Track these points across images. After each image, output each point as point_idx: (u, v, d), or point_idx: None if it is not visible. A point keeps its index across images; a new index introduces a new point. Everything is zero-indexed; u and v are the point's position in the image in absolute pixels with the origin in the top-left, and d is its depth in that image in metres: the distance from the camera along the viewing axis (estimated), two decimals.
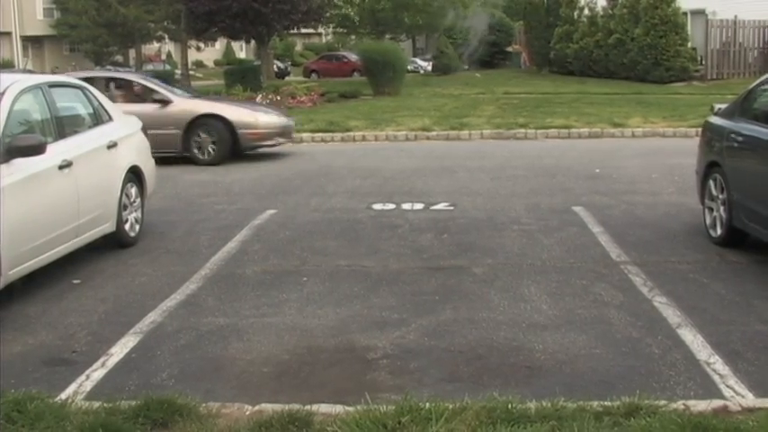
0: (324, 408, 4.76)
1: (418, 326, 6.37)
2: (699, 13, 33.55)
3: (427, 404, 4.60)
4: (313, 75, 51.98)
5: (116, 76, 18.50)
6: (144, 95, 15.95)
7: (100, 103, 9.22)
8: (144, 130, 10.15)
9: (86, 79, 16.95)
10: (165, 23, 39.06)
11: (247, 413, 4.75)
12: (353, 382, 5.39)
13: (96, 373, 5.57)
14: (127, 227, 9.02)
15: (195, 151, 15.38)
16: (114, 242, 8.84)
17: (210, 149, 15.36)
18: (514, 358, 5.73)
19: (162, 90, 15.97)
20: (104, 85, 15.95)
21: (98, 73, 21.41)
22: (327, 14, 41.10)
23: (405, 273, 7.90)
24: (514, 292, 7.19)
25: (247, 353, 5.91)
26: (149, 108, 15.04)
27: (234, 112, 15.71)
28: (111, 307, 7.02)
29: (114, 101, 14.24)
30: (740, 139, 8.36)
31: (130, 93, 16.26)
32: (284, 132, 16.31)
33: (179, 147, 15.29)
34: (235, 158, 15.70)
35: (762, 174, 7.85)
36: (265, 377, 5.52)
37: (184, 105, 15.67)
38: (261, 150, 16.29)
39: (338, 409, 4.74)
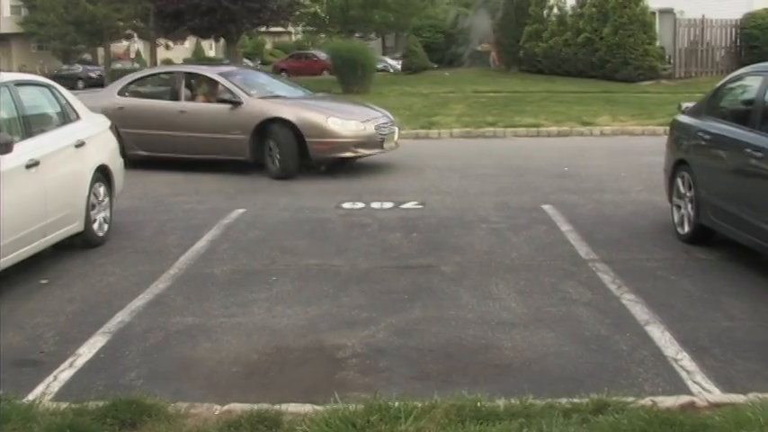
0: (293, 407, 4.75)
1: (387, 324, 6.38)
2: (667, 12, 33.75)
3: (396, 403, 4.60)
4: (282, 73, 51.67)
5: (194, 71, 15.68)
6: (217, 94, 14.25)
7: (68, 102, 9.15)
8: (113, 128, 10.08)
9: (168, 72, 16.64)
10: (134, 21, 38.82)
11: (216, 413, 4.73)
12: (323, 381, 5.38)
13: (64, 373, 5.53)
14: (95, 226, 8.96)
15: (268, 160, 13.44)
16: (82, 242, 8.77)
17: (277, 160, 13.32)
18: (483, 356, 5.75)
19: (234, 88, 13.90)
20: (184, 80, 14.68)
21: (179, 68, 18.53)
22: (297, 13, 40.99)
23: (374, 271, 7.90)
24: (483, 290, 7.21)
25: (216, 352, 5.89)
26: (218, 109, 13.89)
27: (302, 116, 13.31)
28: (79, 307, 6.97)
29: (191, 99, 14.41)
30: (707, 137, 8.42)
31: (205, 90, 14.58)
32: (368, 142, 13.49)
33: (246, 153, 13.53)
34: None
35: (728, 171, 7.92)
36: (234, 377, 5.50)
37: (254, 107, 13.58)
38: None
39: (307, 408, 4.73)
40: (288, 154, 13.16)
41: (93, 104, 13.48)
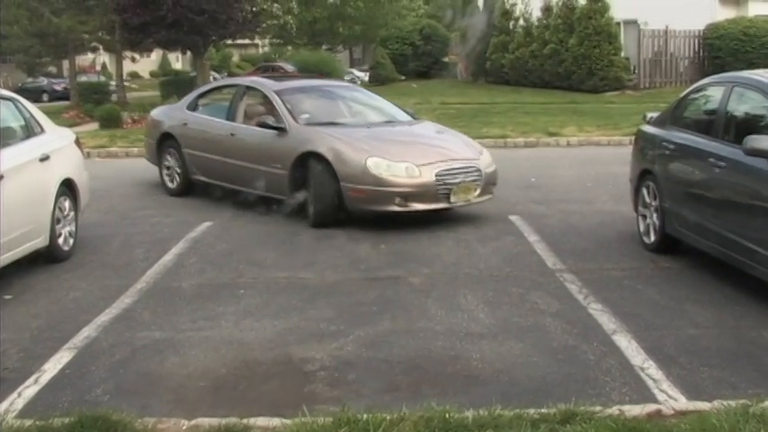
0: (261, 421, 4.73)
1: (356, 337, 6.37)
2: (631, 23, 34.05)
3: (365, 415, 4.60)
4: None
5: (254, 84, 12.67)
6: (265, 115, 11.62)
7: (32, 115, 9.08)
8: (77, 142, 10.00)
9: (231, 85, 13.58)
10: (100, 34, 38.50)
11: (184, 428, 4.70)
12: (291, 394, 5.37)
13: (29, 390, 5.47)
14: (60, 241, 8.89)
15: (308, 203, 10.56)
16: (47, 256, 8.69)
17: (311, 205, 10.46)
18: (452, 368, 5.76)
19: (281, 110, 11.19)
20: (245, 95, 12.32)
21: (242, 80, 14.43)
22: (264, 25, 40.94)
23: (342, 284, 7.89)
24: (452, 301, 7.22)
25: (184, 367, 5.86)
26: (263, 135, 11.20)
27: (339, 152, 10.26)
28: (44, 322, 6.90)
29: (249, 118, 11.88)
30: (672, 147, 8.50)
31: (260, 109, 12.05)
32: (424, 194, 10.07)
33: (286, 192, 10.84)
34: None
35: (692, 181, 7.99)
36: (202, 391, 5.47)
37: (296, 135, 10.80)
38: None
39: (275, 422, 4.72)
40: (321, 199, 10.26)
41: (167, 116, 13.38)
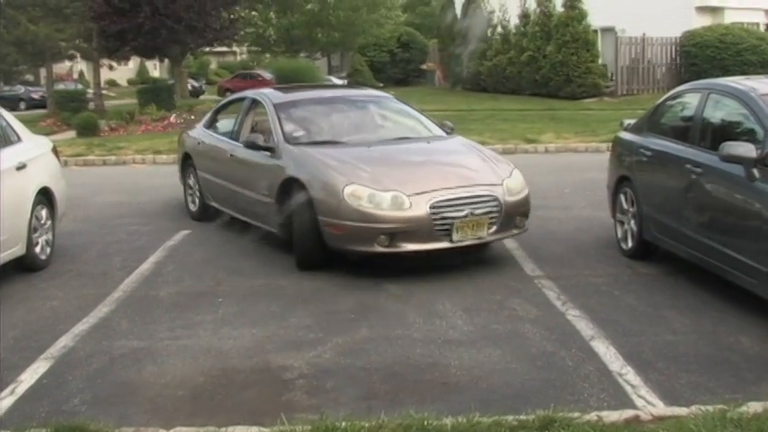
0: (239, 429, 4.73)
1: (334, 344, 6.36)
2: (609, 30, 34.23)
3: (343, 423, 4.60)
4: (227, 93, 51.43)
5: (258, 97, 10.60)
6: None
7: (8, 124, 9.04)
8: (54, 150, 9.95)
9: (241, 98, 11.29)
10: (77, 42, 38.34)
11: None
12: (270, 402, 5.35)
13: (5, 401, 5.44)
14: (37, 250, 8.84)
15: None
16: (24, 265, 8.64)
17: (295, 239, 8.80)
18: (430, 375, 5.76)
19: (275, 126, 9.60)
20: (251, 110, 10.65)
21: (252, 93, 11.18)
22: (241, 32, 40.91)
23: (320, 291, 7.88)
24: (429, 308, 7.21)
25: (162, 376, 5.83)
26: (256, 157, 9.64)
27: (319, 177, 8.57)
28: (20, 332, 6.85)
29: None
30: (648, 153, 8.54)
31: (262, 126, 10.31)
32: (417, 231, 8.13)
33: (272, 223, 9.27)
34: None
35: (669, 187, 8.03)
36: (180, 400, 5.45)
37: (283, 157, 9.13)
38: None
39: (254, 430, 4.72)
40: (301, 237, 8.58)
41: (189, 134, 12.15)
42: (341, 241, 8.35)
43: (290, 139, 9.36)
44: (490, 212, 8.38)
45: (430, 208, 8.13)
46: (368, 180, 8.32)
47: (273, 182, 9.08)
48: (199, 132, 11.76)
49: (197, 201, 11.51)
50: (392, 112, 10.77)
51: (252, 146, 9.59)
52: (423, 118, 10.60)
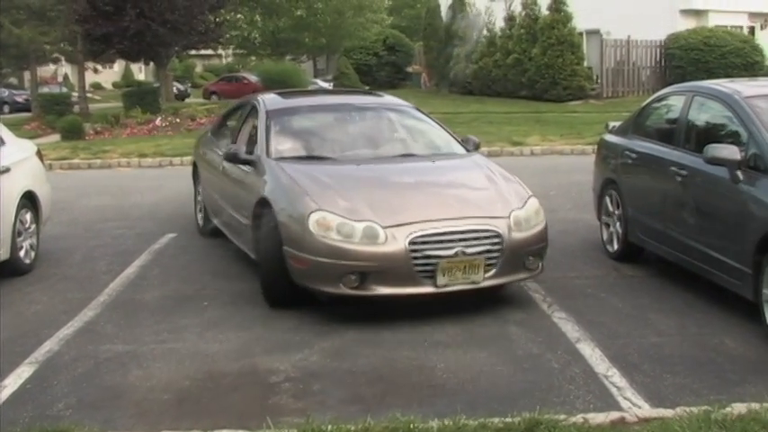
0: None
1: (320, 348, 6.36)
2: (594, 33, 34.33)
3: (329, 426, 4.60)
4: (213, 96, 51.53)
5: (255, 102, 9.45)
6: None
7: None
8: (39, 154, 9.90)
9: (243, 104, 10.13)
10: (62, 45, 38.19)
11: None
12: (256, 406, 5.34)
13: None
14: (21, 254, 8.80)
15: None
16: (8, 270, 8.60)
17: None
18: (417, 377, 5.76)
19: (261, 135, 8.53)
20: (250, 117, 9.26)
21: (251, 98, 10.07)
22: (226, 36, 40.86)
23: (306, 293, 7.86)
24: (416, 311, 7.20)
25: (147, 380, 5.82)
26: (239, 171, 8.62)
27: (290, 200, 7.34)
28: (5, 337, 6.81)
29: None
30: (634, 155, 8.57)
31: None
32: (390, 270, 6.78)
33: (250, 247, 8.21)
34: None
35: (655, 189, 8.06)
36: (166, 404, 5.43)
37: (263, 174, 7.96)
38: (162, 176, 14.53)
39: None
40: (266, 265, 7.40)
41: (200, 142, 11.32)
42: (305, 278, 7.03)
43: (274, 153, 8.22)
44: (489, 251, 6.94)
45: (409, 243, 6.74)
46: (341, 206, 7.01)
47: (250, 201, 7.98)
48: (205, 139, 11.10)
49: (200, 215, 10.74)
50: (405, 125, 9.31)
51: (232, 159, 8.49)
52: (442, 132, 9.07)
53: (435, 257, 6.75)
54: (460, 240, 6.84)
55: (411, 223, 6.86)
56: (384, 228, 6.79)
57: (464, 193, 7.70)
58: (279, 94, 10.16)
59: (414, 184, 7.75)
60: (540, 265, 7.43)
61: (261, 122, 8.66)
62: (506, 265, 7.05)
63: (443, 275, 6.77)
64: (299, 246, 6.95)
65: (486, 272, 6.93)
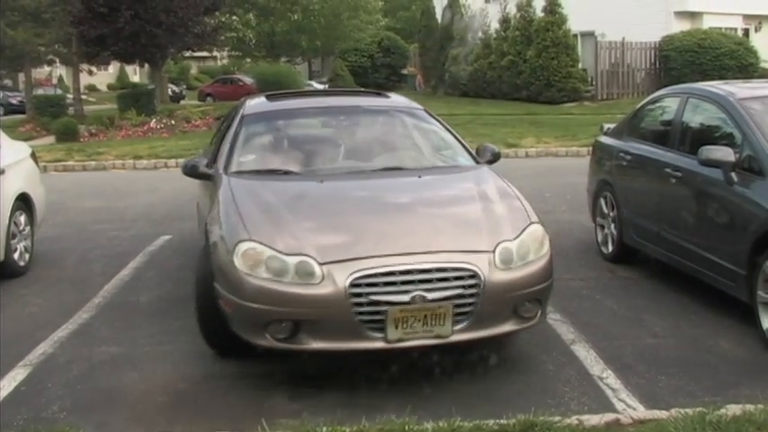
0: None
1: None
2: (588, 35, 34.40)
3: (324, 428, 4.59)
4: (208, 98, 51.59)
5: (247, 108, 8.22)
6: None
7: None
8: (33, 156, 9.89)
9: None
10: (56, 47, 38.16)
11: None
12: (251, 408, 5.33)
13: None
14: (16, 256, 8.78)
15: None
16: (2, 272, 8.58)
17: None
18: (411, 379, 5.74)
19: (225, 145, 7.41)
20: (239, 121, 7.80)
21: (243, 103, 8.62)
22: (222, 38, 40.80)
23: None
24: None
25: (142, 382, 5.81)
26: (207, 187, 7.31)
27: (222, 227, 6.01)
28: None
29: None
30: (628, 157, 8.57)
31: None
32: (328, 318, 5.31)
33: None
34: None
35: (649, 191, 8.07)
36: (161, 406, 5.42)
37: (217, 192, 6.60)
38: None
39: None
40: (199, 303, 6.16)
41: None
42: (232, 323, 5.68)
43: (235, 165, 6.96)
44: (460, 296, 5.38)
45: (350, 285, 5.27)
46: (278, 235, 5.61)
47: (202, 224, 6.93)
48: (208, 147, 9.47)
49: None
50: (407, 131, 7.94)
51: (189, 172, 7.22)
52: (451, 141, 7.71)
53: (384, 303, 5.25)
54: (421, 282, 5.30)
55: (356, 259, 5.37)
56: (321, 264, 5.34)
57: (440, 219, 6.09)
58: (268, 96, 8.92)
59: (378, 208, 6.29)
60: (539, 312, 5.86)
61: (232, 129, 7.52)
62: (486, 314, 5.48)
63: (396, 328, 5.28)
64: (225, 284, 5.62)
65: (455, 323, 5.40)
